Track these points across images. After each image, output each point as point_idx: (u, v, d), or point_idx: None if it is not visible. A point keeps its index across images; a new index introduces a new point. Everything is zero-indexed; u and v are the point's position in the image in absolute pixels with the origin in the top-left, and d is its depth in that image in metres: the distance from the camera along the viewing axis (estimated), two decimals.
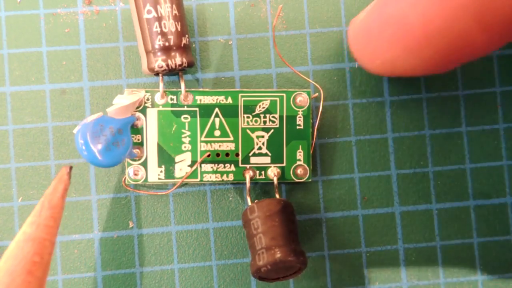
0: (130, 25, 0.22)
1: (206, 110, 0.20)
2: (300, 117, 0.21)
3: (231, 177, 0.21)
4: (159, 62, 0.19)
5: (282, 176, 0.21)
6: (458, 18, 0.14)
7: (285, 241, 0.19)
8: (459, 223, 0.22)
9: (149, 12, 0.19)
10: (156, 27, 0.19)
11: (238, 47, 0.22)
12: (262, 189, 0.21)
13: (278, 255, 0.18)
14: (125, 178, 0.20)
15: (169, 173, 0.20)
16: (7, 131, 0.21)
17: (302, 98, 0.21)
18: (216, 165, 0.21)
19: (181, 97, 0.20)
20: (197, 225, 0.21)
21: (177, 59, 0.19)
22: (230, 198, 0.21)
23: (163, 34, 0.19)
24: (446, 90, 0.22)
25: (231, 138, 0.21)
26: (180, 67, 0.20)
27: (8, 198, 0.21)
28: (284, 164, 0.21)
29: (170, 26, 0.19)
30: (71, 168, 0.18)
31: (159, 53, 0.19)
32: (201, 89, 0.21)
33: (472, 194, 0.22)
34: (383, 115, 0.22)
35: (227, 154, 0.21)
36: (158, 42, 0.19)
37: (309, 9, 0.22)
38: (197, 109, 0.20)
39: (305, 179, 0.21)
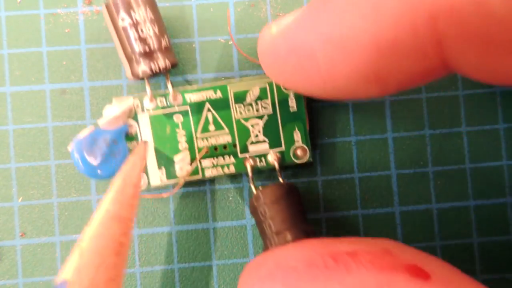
0: None
1: (197, 107, 0.20)
2: (292, 99, 0.21)
3: (232, 169, 0.21)
4: (142, 67, 0.19)
5: (283, 159, 0.21)
6: (361, 69, 0.15)
7: (294, 223, 0.19)
8: (459, 223, 0.22)
9: (123, 19, 0.19)
10: (134, 33, 0.19)
11: (238, 47, 0.22)
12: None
13: (289, 237, 0.18)
14: None
15: (170, 174, 0.20)
16: (7, 131, 0.21)
17: None
18: (216, 159, 0.20)
19: (170, 98, 0.20)
20: (197, 225, 0.21)
21: (160, 62, 0.19)
22: (230, 198, 0.21)
23: (142, 40, 0.19)
24: (446, 90, 0.22)
25: (227, 131, 0.21)
26: (164, 70, 0.20)
27: (8, 198, 0.21)
28: (283, 148, 0.21)
29: (147, 30, 0.19)
30: (147, 142, 0.18)
31: (141, 59, 0.19)
32: (188, 87, 0.21)
33: (472, 194, 0.22)
34: (383, 115, 0.22)
35: (224, 147, 0.21)
36: (138, 48, 0.19)
37: None
38: (188, 107, 0.20)
39: (305, 159, 0.21)
